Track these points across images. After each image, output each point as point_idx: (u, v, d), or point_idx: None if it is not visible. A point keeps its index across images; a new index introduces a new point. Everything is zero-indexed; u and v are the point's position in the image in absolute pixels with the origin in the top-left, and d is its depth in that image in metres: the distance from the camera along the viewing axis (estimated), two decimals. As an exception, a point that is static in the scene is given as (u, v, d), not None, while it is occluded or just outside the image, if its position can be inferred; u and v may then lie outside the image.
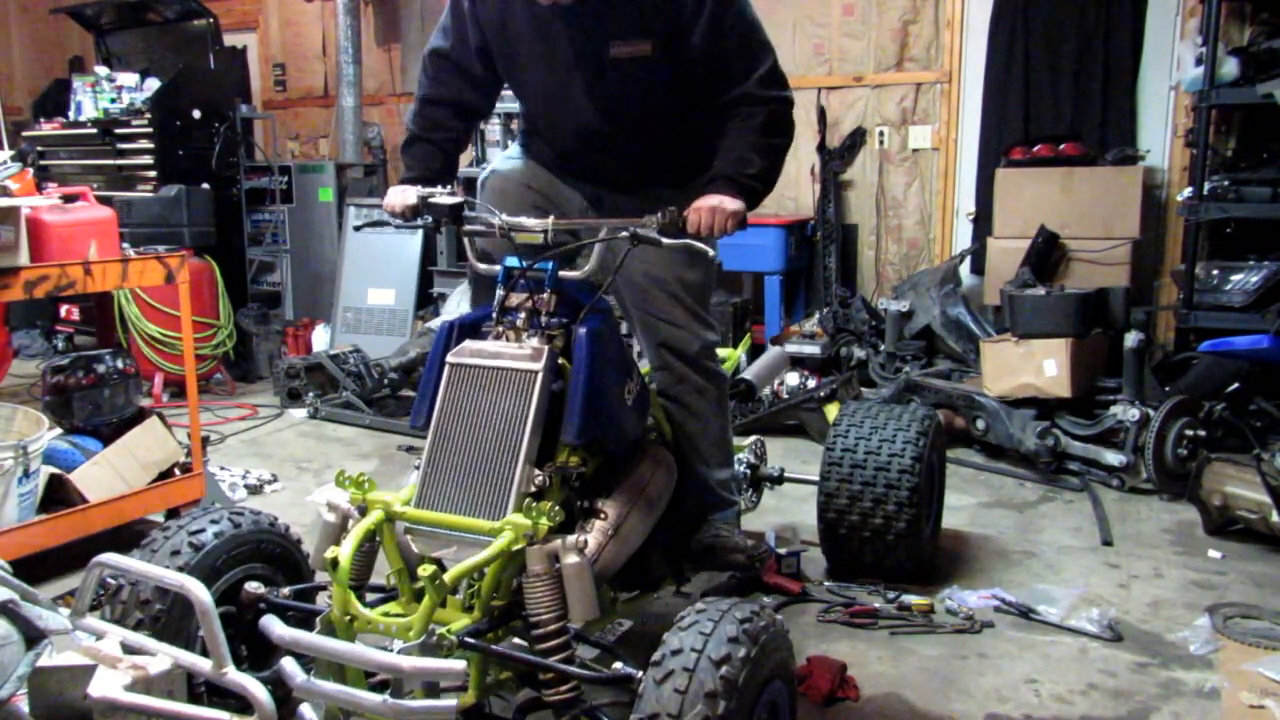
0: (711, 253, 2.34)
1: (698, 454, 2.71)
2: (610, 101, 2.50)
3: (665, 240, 2.24)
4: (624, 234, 2.25)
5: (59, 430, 3.56)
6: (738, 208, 2.34)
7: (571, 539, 2.01)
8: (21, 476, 3.20)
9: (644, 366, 2.79)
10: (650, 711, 1.70)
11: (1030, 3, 5.84)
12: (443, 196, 2.40)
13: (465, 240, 2.50)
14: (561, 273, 2.27)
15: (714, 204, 2.33)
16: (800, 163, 6.51)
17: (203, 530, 2.21)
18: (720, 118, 2.51)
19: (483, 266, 2.48)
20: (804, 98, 6.51)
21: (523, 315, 2.24)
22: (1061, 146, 5.62)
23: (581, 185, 2.73)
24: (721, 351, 3.51)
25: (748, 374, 3.39)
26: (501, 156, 2.89)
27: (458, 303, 6.25)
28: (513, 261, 2.27)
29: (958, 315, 5.49)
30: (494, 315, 2.27)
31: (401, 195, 2.47)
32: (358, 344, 6.11)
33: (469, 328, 2.31)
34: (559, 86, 2.52)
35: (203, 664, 1.88)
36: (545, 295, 2.24)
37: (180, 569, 2.11)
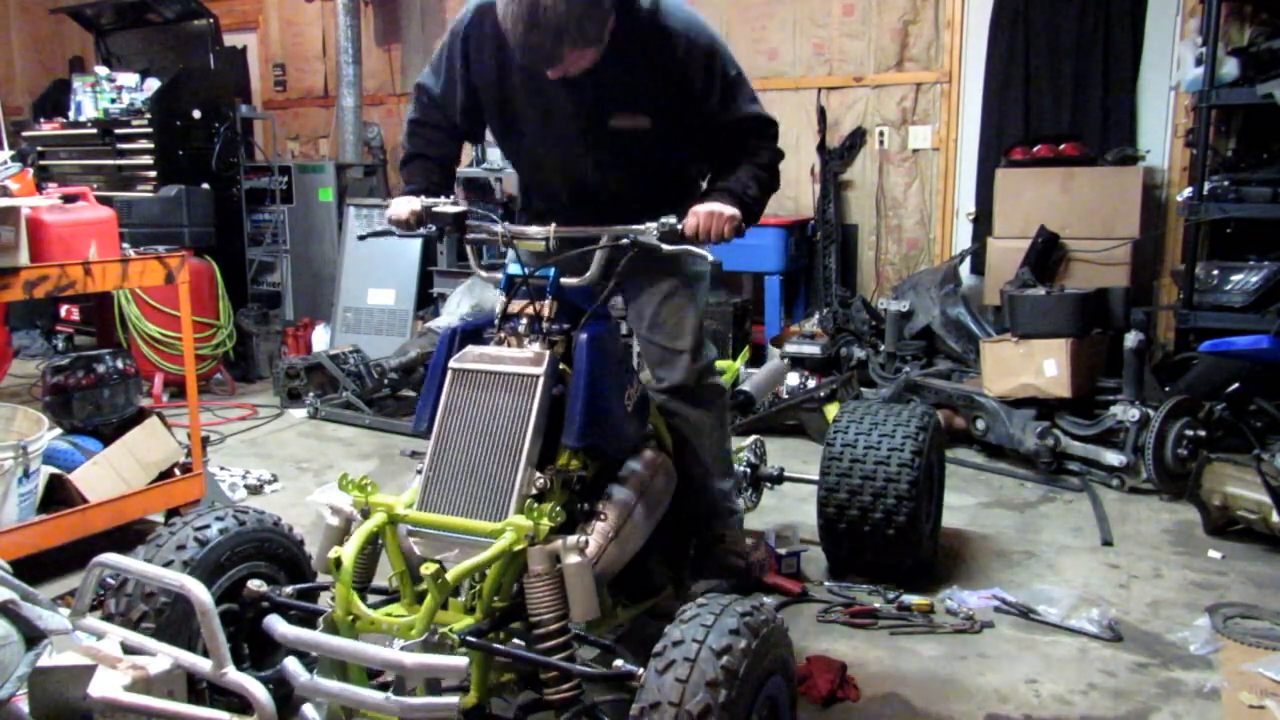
0: (710, 258, 2.36)
1: (699, 464, 2.72)
2: (605, 163, 2.54)
3: (665, 246, 2.28)
4: (624, 241, 2.29)
5: (59, 430, 3.55)
6: (735, 213, 2.37)
7: (572, 539, 2.02)
8: (21, 476, 3.20)
9: (644, 374, 2.80)
10: (652, 700, 1.71)
11: (1030, 3, 5.84)
12: (446, 206, 2.43)
13: (469, 248, 2.52)
14: (563, 280, 2.29)
15: (712, 209, 2.35)
16: (800, 163, 6.51)
17: (208, 526, 2.23)
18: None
19: (484, 274, 2.50)
20: (804, 98, 6.52)
21: (524, 321, 2.26)
22: (1061, 146, 5.62)
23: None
24: (720, 364, 3.53)
25: (747, 386, 3.41)
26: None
27: (458, 303, 6.25)
28: (515, 269, 2.29)
29: (958, 315, 5.49)
30: (496, 322, 2.29)
31: (406, 205, 2.49)
32: (358, 344, 6.10)
33: (471, 334, 2.34)
34: (553, 149, 2.56)
35: (203, 664, 1.89)
36: (547, 302, 2.26)
37: (185, 563, 2.13)
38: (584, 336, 2.21)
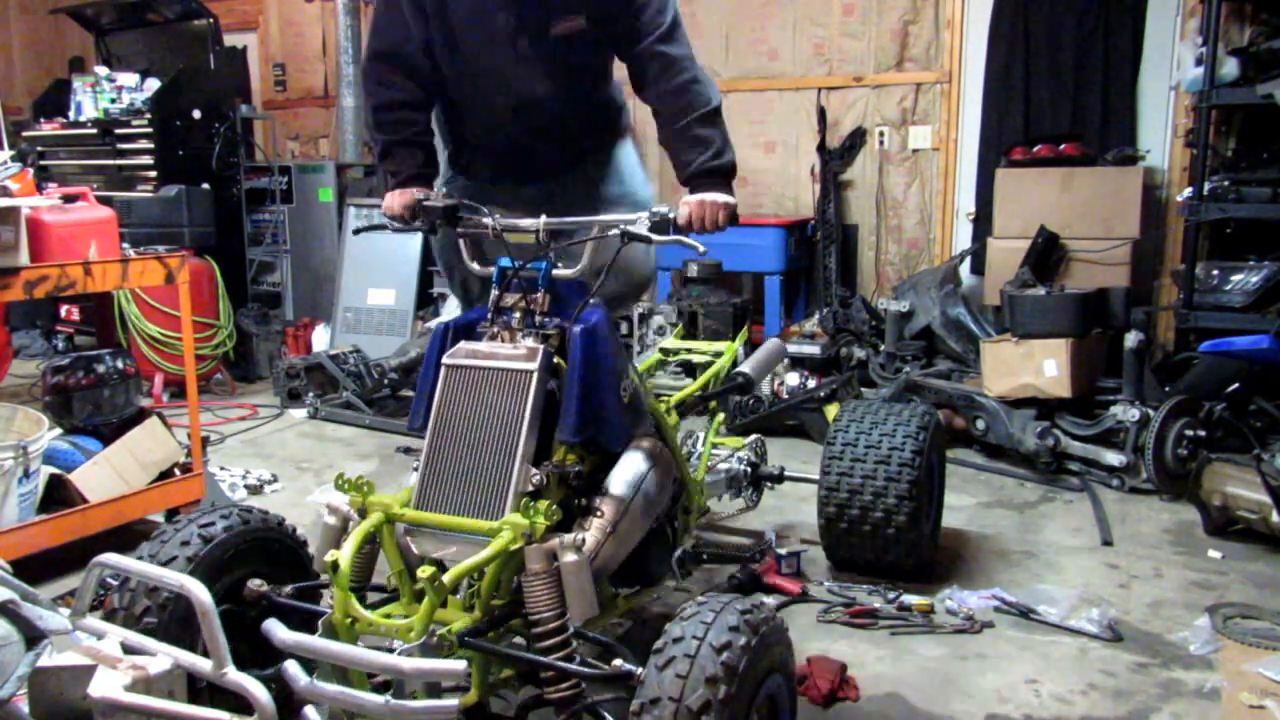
0: (702, 249, 2.33)
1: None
2: (547, 74, 2.59)
3: (655, 237, 2.26)
4: (614, 232, 2.27)
5: (59, 430, 3.55)
6: (729, 200, 2.37)
7: (569, 537, 2.02)
8: (21, 476, 3.20)
9: (640, 363, 2.80)
10: (652, 696, 1.72)
11: (1030, 3, 5.84)
12: (437, 199, 2.42)
13: (461, 242, 2.50)
14: (555, 271, 2.28)
15: (704, 198, 2.35)
16: (800, 163, 6.51)
17: (213, 524, 2.22)
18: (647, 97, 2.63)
19: (477, 268, 2.48)
20: (804, 98, 6.52)
21: (517, 315, 2.24)
22: (1061, 146, 5.62)
23: (515, 190, 2.76)
24: (719, 345, 3.50)
25: (745, 367, 3.37)
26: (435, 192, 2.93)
27: (458, 303, 6.25)
28: (506, 261, 2.27)
29: (958, 315, 5.49)
30: (489, 316, 2.28)
31: (399, 200, 2.50)
32: (358, 344, 6.11)
33: (464, 329, 2.32)
34: (496, 63, 2.58)
35: (203, 664, 1.88)
36: (539, 295, 2.25)
37: (189, 559, 2.13)
38: (577, 329, 2.19)
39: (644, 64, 2.56)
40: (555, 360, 2.22)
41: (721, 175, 2.45)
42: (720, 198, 2.35)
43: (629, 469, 2.37)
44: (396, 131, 2.66)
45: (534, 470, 2.13)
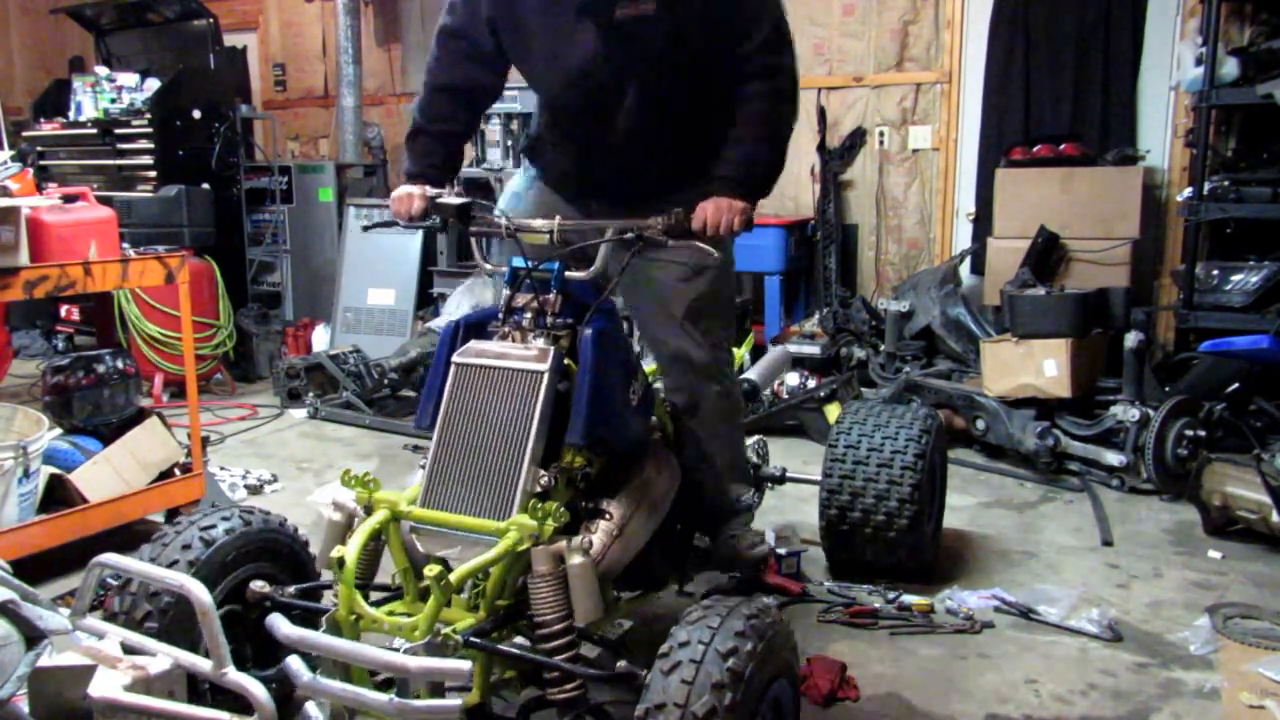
0: (717, 254, 2.33)
1: (712, 468, 2.74)
2: (617, 66, 2.43)
3: (670, 241, 2.26)
4: (629, 235, 2.26)
5: (59, 430, 3.55)
6: (744, 206, 2.36)
7: (576, 539, 2.02)
8: (21, 476, 3.20)
9: (649, 366, 2.80)
10: (657, 701, 1.71)
11: (1030, 3, 5.84)
12: (450, 197, 2.41)
13: (473, 241, 2.50)
14: (568, 273, 2.27)
15: (719, 202, 2.34)
16: (800, 163, 6.50)
17: (214, 526, 2.22)
18: (726, 107, 2.52)
19: (489, 267, 2.48)
20: (804, 98, 6.45)
21: (528, 316, 2.24)
22: (1061, 146, 5.62)
23: (594, 205, 2.71)
24: None
25: (751, 374, 3.40)
26: (510, 187, 2.88)
27: (458, 303, 6.25)
28: (519, 262, 2.27)
29: (958, 315, 5.49)
30: (500, 315, 2.27)
31: (408, 196, 2.47)
32: (358, 344, 6.11)
33: (474, 328, 2.31)
34: (565, 54, 2.45)
35: (203, 664, 1.88)
36: (551, 296, 2.24)
37: (191, 563, 2.12)
38: (589, 332, 2.18)
39: (741, 67, 2.48)
40: (565, 362, 2.21)
41: (746, 189, 2.42)
42: (736, 203, 2.34)
43: (637, 473, 2.37)
44: (432, 121, 2.63)
45: (542, 472, 2.12)
